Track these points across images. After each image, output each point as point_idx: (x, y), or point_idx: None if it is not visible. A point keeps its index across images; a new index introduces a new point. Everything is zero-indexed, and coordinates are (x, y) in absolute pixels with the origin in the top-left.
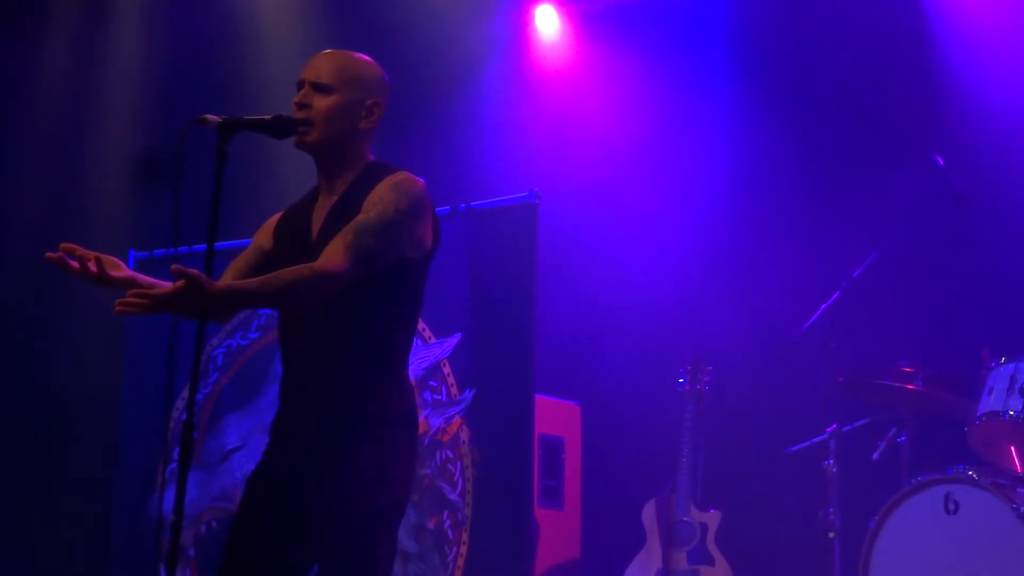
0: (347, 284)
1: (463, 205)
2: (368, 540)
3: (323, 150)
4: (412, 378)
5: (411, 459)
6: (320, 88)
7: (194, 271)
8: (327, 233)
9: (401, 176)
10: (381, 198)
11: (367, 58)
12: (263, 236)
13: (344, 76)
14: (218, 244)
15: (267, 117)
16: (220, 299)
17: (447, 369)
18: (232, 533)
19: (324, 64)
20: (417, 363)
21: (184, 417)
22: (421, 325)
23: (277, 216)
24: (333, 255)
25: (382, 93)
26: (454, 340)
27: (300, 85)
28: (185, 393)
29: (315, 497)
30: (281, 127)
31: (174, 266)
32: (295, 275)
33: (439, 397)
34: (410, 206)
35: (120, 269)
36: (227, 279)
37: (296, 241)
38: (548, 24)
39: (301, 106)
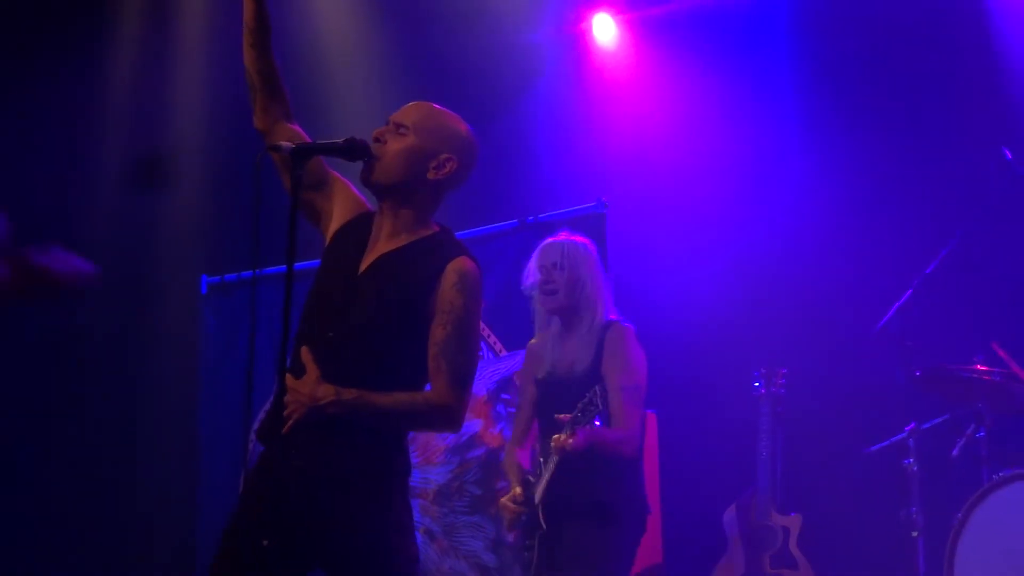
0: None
1: (531, 218)
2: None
3: (386, 189)
4: (484, 392)
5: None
6: (399, 128)
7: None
8: (374, 275)
9: (462, 266)
10: (452, 304)
11: (459, 120)
12: (345, 204)
13: (424, 123)
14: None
15: (339, 140)
16: (348, 405)
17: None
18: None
19: (411, 109)
20: (488, 376)
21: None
22: (492, 338)
23: (356, 208)
24: (439, 389)
25: (459, 153)
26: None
27: (387, 123)
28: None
29: (348, 539)
30: (354, 150)
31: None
32: (422, 407)
33: (512, 410)
34: (475, 304)
35: None
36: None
37: (344, 264)
38: (606, 32)
39: (377, 139)
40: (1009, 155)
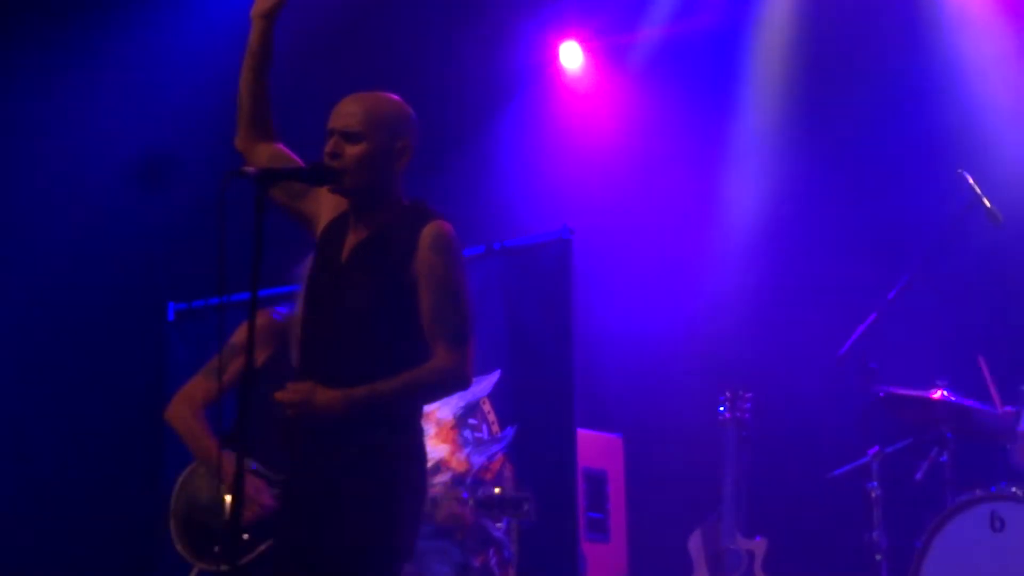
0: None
1: (497, 244)
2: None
3: (358, 195)
4: (450, 416)
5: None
6: (349, 137)
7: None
8: (354, 262)
9: (436, 229)
10: (432, 267)
11: (393, 97)
12: (328, 205)
13: (372, 122)
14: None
15: (304, 167)
16: (362, 401)
17: (487, 407)
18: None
19: (352, 110)
20: (455, 401)
21: None
22: None
23: (339, 207)
24: (440, 353)
25: (411, 132)
26: (494, 377)
27: (330, 134)
28: None
29: (332, 529)
30: (319, 176)
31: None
32: (430, 376)
33: (480, 435)
34: (457, 261)
35: None
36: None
37: (328, 260)
38: (573, 60)
39: (333, 156)
40: (970, 178)
